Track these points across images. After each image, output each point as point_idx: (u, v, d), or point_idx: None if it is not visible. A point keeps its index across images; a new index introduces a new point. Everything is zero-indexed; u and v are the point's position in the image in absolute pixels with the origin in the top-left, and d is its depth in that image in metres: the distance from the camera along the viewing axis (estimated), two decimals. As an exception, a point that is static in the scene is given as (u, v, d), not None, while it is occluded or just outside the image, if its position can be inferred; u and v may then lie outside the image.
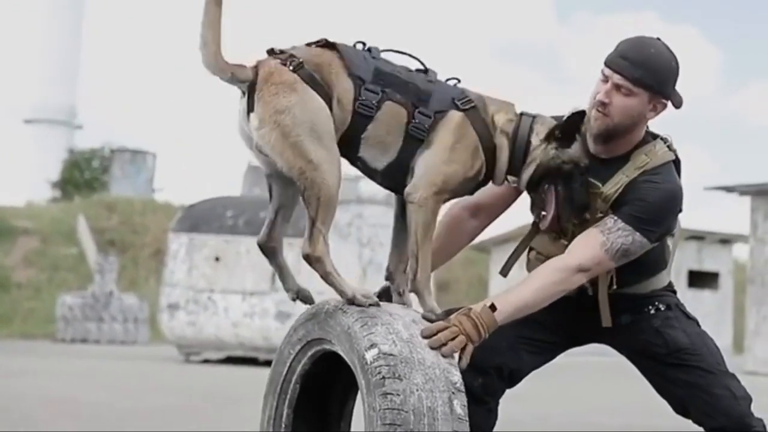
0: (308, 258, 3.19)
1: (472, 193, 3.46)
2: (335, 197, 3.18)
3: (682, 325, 3.78)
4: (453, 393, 3.09)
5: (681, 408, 3.78)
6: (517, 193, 3.77)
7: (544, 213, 3.41)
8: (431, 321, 3.24)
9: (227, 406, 9.42)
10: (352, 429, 3.64)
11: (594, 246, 3.48)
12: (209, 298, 16.04)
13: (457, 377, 3.12)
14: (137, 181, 36.48)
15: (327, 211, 3.17)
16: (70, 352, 18.14)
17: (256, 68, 3.20)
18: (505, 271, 3.92)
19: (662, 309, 3.78)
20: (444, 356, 3.16)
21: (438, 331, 3.21)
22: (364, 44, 3.33)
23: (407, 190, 3.26)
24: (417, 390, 3.03)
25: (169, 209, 31.06)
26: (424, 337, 3.18)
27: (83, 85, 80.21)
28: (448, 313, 3.31)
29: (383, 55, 3.33)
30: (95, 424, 8.11)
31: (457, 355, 3.20)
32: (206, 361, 16.75)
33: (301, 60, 3.18)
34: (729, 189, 21.37)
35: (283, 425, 3.47)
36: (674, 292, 3.88)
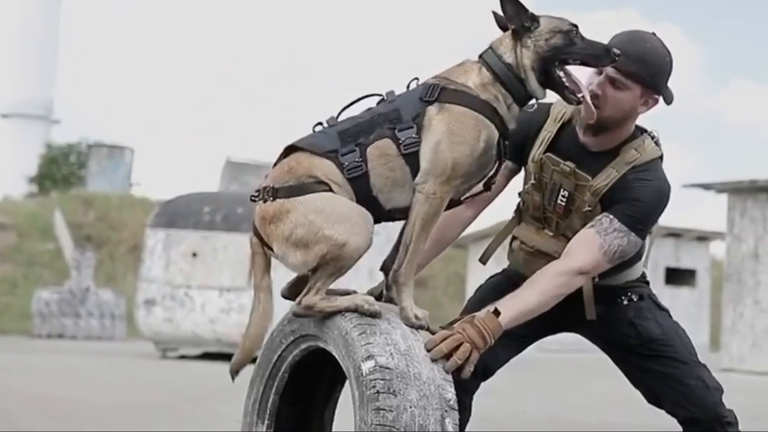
0: (306, 310, 3.21)
1: (490, 171, 3.35)
2: (354, 263, 3.20)
3: (654, 315, 3.81)
4: (446, 411, 3.08)
5: (654, 398, 3.82)
6: (507, 180, 3.77)
7: (579, 98, 3.30)
8: (415, 327, 3.20)
9: (204, 402, 9.40)
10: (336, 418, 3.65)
11: (592, 249, 3.49)
12: (186, 294, 15.99)
13: (451, 394, 3.11)
14: (114, 176, 36.32)
15: (337, 276, 3.19)
16: (47, 348, 18.06)
17: (254, 228, 3.28)
18: (484, 259, 3.93)
19: (635, 300, 3.81)
20: (447, 370, 3.14)
21: (441, 341, 3.18)
22: (320, 123, 3.33)
23: (417, 180, 3.21)
24: (410, 407, 3.02)
25: (146, 204, 30.95)
26: (427, 350, 3.15)
27: (61, 80, 79.96)
28: (452, 323, 3.30)
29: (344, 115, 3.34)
30: (72, 420, 8.07)
31: (453, 361, 3.17)
32: (183, 357, 16.71)
33: (274, 187, 3.21)
34: (706, 187, 21.42)
35: (268, 411, 3.45)
36: (647, 283, 3.91)
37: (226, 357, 16.36)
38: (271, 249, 3.23)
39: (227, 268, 15.70)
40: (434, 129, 3.20)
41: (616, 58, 3.28)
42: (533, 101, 3.34)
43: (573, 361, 17.35)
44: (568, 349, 15.08)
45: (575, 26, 3.29)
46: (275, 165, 3.29)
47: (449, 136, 3.19)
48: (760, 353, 20.11)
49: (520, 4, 3.26)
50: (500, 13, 3.30)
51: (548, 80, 3.28)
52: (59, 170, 40.59)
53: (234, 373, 3.35)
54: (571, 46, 3.26)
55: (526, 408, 10.43)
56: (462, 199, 3.39)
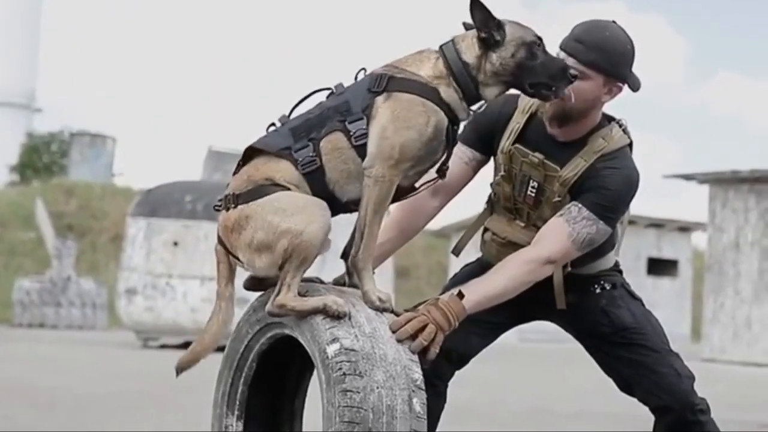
0: (279, 309, 3.21)
1: (440, 157, 3.34)
2: (317, 251, 3.22)
3: (627, 304, 3.82)
4: (413, 391, 3.09)
5: (626, 386, 3.84)
6: (475, 171, 3.78)
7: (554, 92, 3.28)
8: (380, 309, 3.22)
9: (185, 391, 9.38)
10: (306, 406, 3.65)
11: (561, 237, 3.50)
12: (167, 284, 15.98)
13: (417, 374, 3.12)
14: (96, 165, 36.22)
15: (304, 267, 3.21)
16: (28, 338, 18.02)
17: (219, 238, 3.32)
18: (457, 251, 3.96)
19: (608, 288, 3.82)
20: (412, 351, 3.16)
21: (406, 323, 3.21)
22: (273, 123, 3.35)
23: (364, 164, 3.22)
24: (377, 387, 3.03)
25: (128, 194, 30.87)
26: (393, 331, 3.17)
27: (43, 69, 79.63)
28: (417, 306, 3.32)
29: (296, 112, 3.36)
30: (51, 409, 8.07)
31: (418, 341, 3.18)
32: (164, 346, 16.68)
33: (234, 193, 3.25)
34: (688, 177, 21.51)
35: (238, 401, 3.46)
36: (620, 272, 3.91)
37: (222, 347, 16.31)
38: (236, 258, 3.28)
39: (209, 257, 15.54)
40: (380, 116, 3.21)
41: (573, 79, 3.28)
42: (481, 102, 3.34)
43: (554, 350, 17.39)
44: (550, 338, 15.12)
45: (539, 38, 3.27)
46: (235, 173, 3.33)
47: (395, 122, 3.20)
48: (741, 343, 20.22)
49: (488, 12, 3.25)
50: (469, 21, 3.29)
51: (509, 87, 3.29)
52: (41, 159, 40.45)
53: (180, 371, 3.38)
54: (532, 59, 3.24)
55: (506, 398, 10.46)
56: (417, 186, 3.39)
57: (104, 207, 30.95)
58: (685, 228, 29.12)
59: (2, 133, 49.93)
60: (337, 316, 3.14)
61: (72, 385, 9.91)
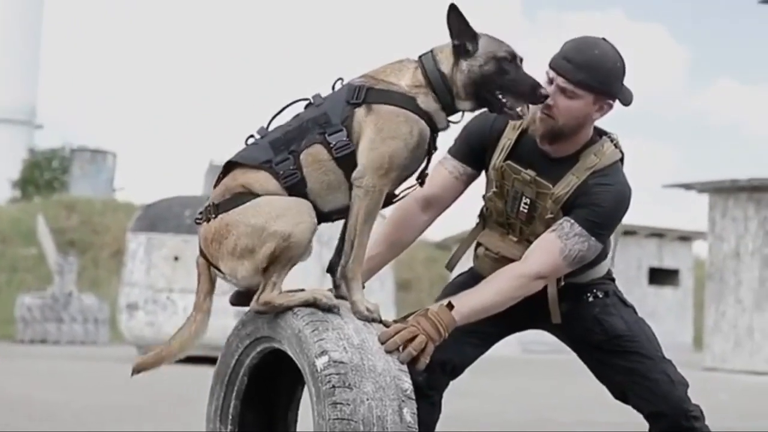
0: (265, 306, 3.23)
1: (422, 163, 3.37)
2: (304, 252, 3.23)
3: (620, 311, 3.83)
4: (403, 401, 3.10)
5: (620, 394, 3.85)
6: (465, 185, 3.79)
7: (518, 112, 3.30)
8: (368, 319, 3.24)
9: (186, 405, 9.38)
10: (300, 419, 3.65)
11: (553, 253, 3.51)
12: (168, 298, 15.96)
13: (407, 384, 3.13)
14: (97, 180, 36.24)
15: (290, 267, 3.23)
16: (30, 353, 18.00)
17: (201, 250, 3.34)
18: (450, 266, 3.97)
19: (600, 296, 3.83)
20: (402, 361, 3.17)
21: (395, 333, 3.22)
22: (252, 135, 3.36)
23: (354, 175, 3.24)
24: (367, 399, 3.04)
25: (129, 209, 30.84)
26: (381, 342, 3.18)
27: (44, 85, 79.78)
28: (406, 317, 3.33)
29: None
30: (48, 421, 8.09)
31: (407, 352, 3.20)
32: (166, 361, 16.65)
33: (214, 203, 3.27)
34: (687, 187, 21.50)
35: (230, 416, 3.47)
36: (613, 280, 3.93)
37: (208, 360, 16.30)
38: (218, 269, 3.28)
39: (209, 271, 15.65)
40: (366, 131, 3.24)
41: (542, 100, 3.30)
42: (460, 114, 3.37)
43: (556, 361, 17.36)
44: (552, 350, 15.10)
45: (513, 54, 3.28)
46: (215, 186, 3.34)
47: (380, 133, 3.22)
48: (743, 352, 20.18)
49: (465, 22, 3.27)
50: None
51: (479, 100, 3.30)
52: (42, 175, 40.45)
53: (137, 371, 3.39)
54: (501, 74, 3.25)
55: (507, 409, 10.44)
56: (398, 194, 3.40)
57: (105, 222, 30.94)
58: (686, 237, 29.07)
59: (4, 149, 50.00)
60: (328, 309, 3.16)
61: (70, 398, 9.92)
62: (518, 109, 3.29)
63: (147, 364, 3.36)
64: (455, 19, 3.26)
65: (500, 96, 3.27)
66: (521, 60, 3.31)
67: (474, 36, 3.28)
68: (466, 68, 3.26)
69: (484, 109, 3.42)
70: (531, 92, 3.27)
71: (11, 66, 53.44)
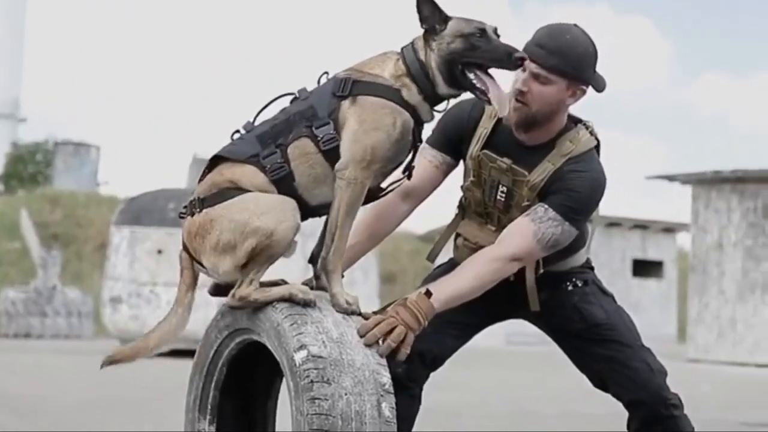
0: (241, 301, 3.24)
1: (407, 155, 3.38)
2: (284, 251, 3.23)
3: (599, 300, 3.85)
4: (382, 395, 3.11)
5: (600, 382, 3.87)
6: (444, 175, 3.80)
7: (489, 98, 3.28)
8: (347, 312, 3.24)
9: (170, 398, 9.37)
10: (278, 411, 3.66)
11: (526, 236, 3.52)
12: (152, 291, 15.95)
13: (386, 378, 3.14)
14: (81, 174, 36.11)
15: (269, 264, 3.23)
16: (13, 348, 17.95)
17: (184, 244, 3.34)
18: (432, 257, 3.98)
19: (579, 285, 3.85)
20: (381, 354, 3.17)
21: (374, 326, 3.22)
22: (238, 130, 3.37)
23: (337, 166, 3.25)
24: (345, 394, 3.04)
25: (113, 202, 30.73)
26: (360, 336, 3.18)
27: (27, 79, 79.38)
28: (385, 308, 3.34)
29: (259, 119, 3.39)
30: (32, 416, 8.07)
31: (387, 345, 3.20)
32: (150, 354, 16.63)
33: (199, 197, 3.27)
34: (671, 178, 21.57)
35: (209, 406, 3.47)
36: (592, 268, 3.94)
37: (192, 354, 16.30)
38: (201, 264, 3.28)
39: (193, 264, 15.63)
40: (349, 122, 3.25)
41: (519, 63, 3.28)
42: (444, 103, 3.38)
43: (540, 353, 17.40)
44: (536, 341, 15.13)
45: (482, 29, 3.27)
46: (200, 180, 3.34)
47: (363, 124, 3.23)
48: (726, 343, 20.27)
49: (435, 5, 3.29)
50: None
51: (455, 81, 3.30)
52: (26, 169, 40.33)
53: (110, 363, 3.36)
54: (472, 50, 3.25)
55: (490, 400, 10.47)
56: (385, 187, 3.42)
57: (89, 216, 30.85)
58: (669, 229, 29.16)
59: (-13, 143, 49.77)
60: (304, 304, 3.16)
61: (54, 392, 9.91)
62: (489, 95, 3.27)
63: (122, 356, 3.35)
64: (423, 4, 3.28)
65: (471, 77, 3.27)
66: (495, 30, 3.30)
67: (445, 19, 3.29)
68: (436, 48, 3.28)
69: (463, 98, 3.44)
70: (506, 58, 3.25)
71: (-6, 60, 53.19)
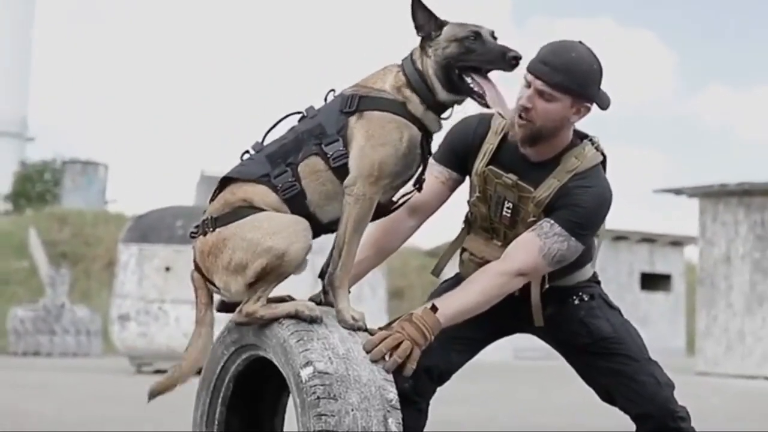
0: (248, 317, 3.24)
1: (416, 170, 3.39)
2: (294, 271, 3.24)
3: (605, 314, 3.85)
4: (388, 411, 3.11)
5: (607, 396, 3.87)
6: (451, 190, 3.81)
7: (484, 100, 3.28)
8: (353, 328, 3.25)
9: (178, 415, 9.38)
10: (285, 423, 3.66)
11: (532, 251, 3.52)
12: (160, 309, 15.95)
13: (392, 394, 3.14)
14: (89, 192, 36.16)
15: (277, 282, 3.24)
16: (22, 366, 17.97)
17: (196, 264, 3.33)
18: (437, 272, 4.00)
19: (586, 299, 3.85)
20: (387, 370, 3.17)
21: (380, 342, 3.22)
22: (247, 151, 3.39)
23: (346, 182, 3.26)
24: (352, 410, 3.04)
25: (121, 220, 30.74)
26: (366, 351, 3.19)
27: (35, 97, 79.63)
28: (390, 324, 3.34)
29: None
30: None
31: (393, 360, 3.20)
32: (158, 371, 16.59)
33: (212, 217, 3.28)
34: (677, 192, 21.54)
35: (216, 422, 3.48)
36: (598, 282, 3.94)
37: (200, 370, 16.31)
38: (212, 283, 3.29)
39: (201, 281, 15.62)
40: (357, 138, 3.26)
41: (514, 62, 3.27)
42: (449, 111, 3.38)
43: (548, 367, 17.38)
44: (544, 356, 15.11)
45: (476, 32, 3.28)
46: (211, 200, 3.35)
47: (370, 140, 3.24)
48: (734, 356, 20.21)
49: (430, 13, 3.30)
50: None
51: (454, 86, 3.31)
52: (34, 188, 40.39)
53: (154, 395, 3.40)
54: (467, 53, 3.26)
55: (497, 414, 10.45)
56: (396, 200, 3.43)
57: (97, 234, 30.88)
58: (677, 242, 29.13)
59: (-5, 162, 49.85)
60: (311, 320, 3.17)
61: (61, 410, 9.90)
62: (486, 99, 3.27)
63: (164, 388, 3.37)
64: (418, 11, 3.30)
65: (468, 81, 3.28)
66: (492, 34, 3.30)
67: (441, 25, 3.31)
68: (432, 55, 3.29)
69: (467, 115, 3.45)
70: (501, 58, 3.26)
71: (1, 78, 53.35)
